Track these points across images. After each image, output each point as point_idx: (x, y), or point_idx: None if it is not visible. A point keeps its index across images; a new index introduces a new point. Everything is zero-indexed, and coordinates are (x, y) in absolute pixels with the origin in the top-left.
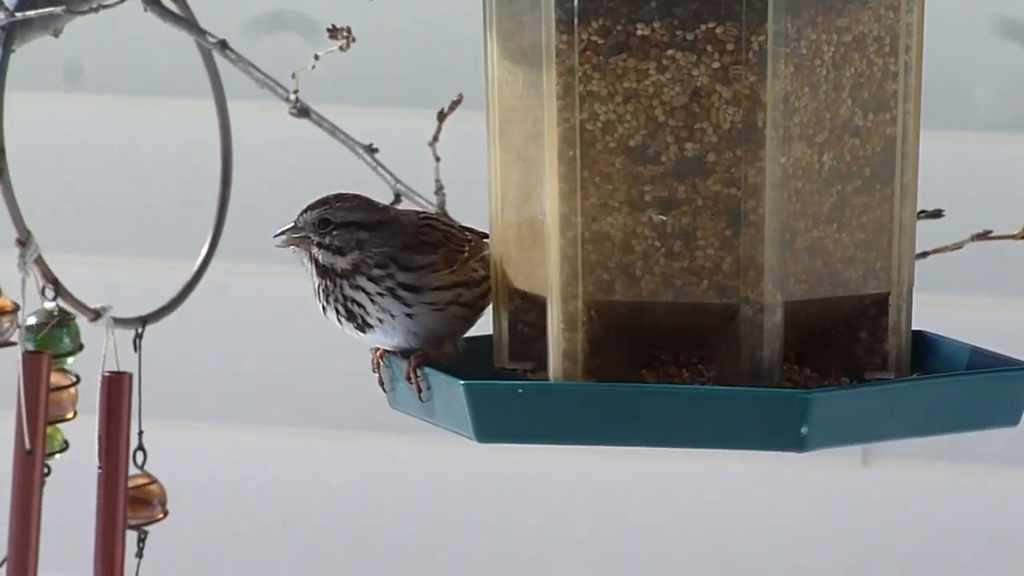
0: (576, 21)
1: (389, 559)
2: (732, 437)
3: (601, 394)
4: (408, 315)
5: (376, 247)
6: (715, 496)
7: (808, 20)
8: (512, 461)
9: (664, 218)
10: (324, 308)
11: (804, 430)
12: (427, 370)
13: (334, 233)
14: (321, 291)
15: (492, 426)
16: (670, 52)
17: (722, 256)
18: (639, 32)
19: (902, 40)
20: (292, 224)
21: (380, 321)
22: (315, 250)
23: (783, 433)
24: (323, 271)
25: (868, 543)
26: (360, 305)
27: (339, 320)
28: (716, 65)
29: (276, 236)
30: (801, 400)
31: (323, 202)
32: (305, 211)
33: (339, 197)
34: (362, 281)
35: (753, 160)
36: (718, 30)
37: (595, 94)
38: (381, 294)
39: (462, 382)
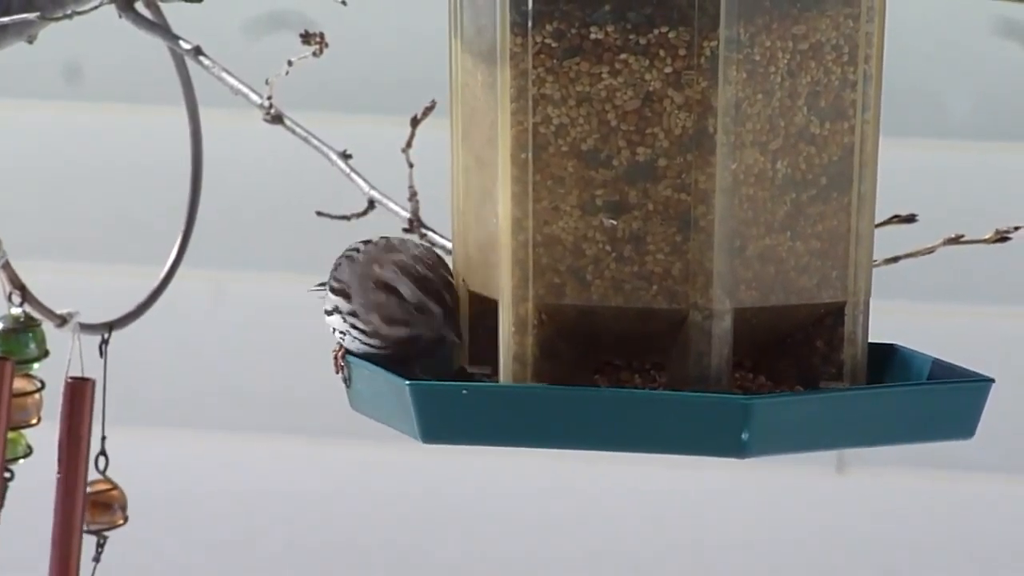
0: (530, 24)
1: (361, 567)
2: (674, 442)
3: (544, 397)
4: None
5: None
6: (688, 504)
7: (763, 27)
8: (488, 468)
9: (615, 222)
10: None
11: (745, 436)
12: (384, 372)
13: None
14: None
15: (436, 427)
16: (623, 56)
17: (672, 261)
18: (593, 36)
19: (861, 49)
20: None
21: None
22: None
23: (724, 439)
24: None
25: (842, 550)
26: None
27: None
28: (668, 70)
29: None
30: (741, 406)
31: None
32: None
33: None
34: None
35: (703, 166)
36: (671, 35)
37: (548, 97)
38: None
39: (407, 382)
